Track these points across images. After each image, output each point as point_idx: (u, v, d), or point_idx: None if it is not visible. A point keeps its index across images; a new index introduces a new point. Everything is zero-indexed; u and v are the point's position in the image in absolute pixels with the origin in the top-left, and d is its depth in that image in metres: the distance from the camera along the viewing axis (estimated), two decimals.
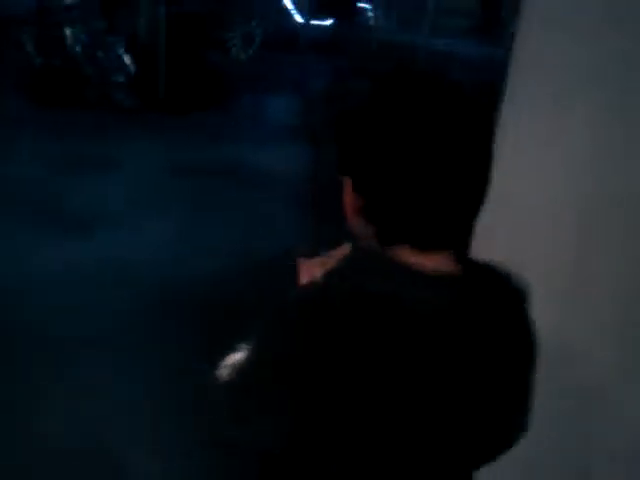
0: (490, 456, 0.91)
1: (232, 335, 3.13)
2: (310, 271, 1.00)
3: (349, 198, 0.85)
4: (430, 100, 0.79)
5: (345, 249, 0.99)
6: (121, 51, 6.24)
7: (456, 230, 0.83)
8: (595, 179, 1.43)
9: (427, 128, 0.77)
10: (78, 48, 6.28)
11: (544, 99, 1.45)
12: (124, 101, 6.24)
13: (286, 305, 0.83)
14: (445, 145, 0.77)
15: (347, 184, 0.85)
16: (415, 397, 0.78)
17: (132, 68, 6.26)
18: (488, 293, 0.84)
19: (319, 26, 9.95)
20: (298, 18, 9.91)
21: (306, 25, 9.80)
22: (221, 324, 3.08)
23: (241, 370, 0.84)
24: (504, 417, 0.90)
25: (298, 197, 4.90)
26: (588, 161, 1.44)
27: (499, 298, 0.85)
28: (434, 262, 0.81)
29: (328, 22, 10.02)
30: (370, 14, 10.03)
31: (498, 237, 1.46)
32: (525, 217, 1.52)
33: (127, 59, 6.25)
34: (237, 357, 0.87)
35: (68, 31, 6.27)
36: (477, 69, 7.84)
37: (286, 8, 9.95)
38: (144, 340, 2.98)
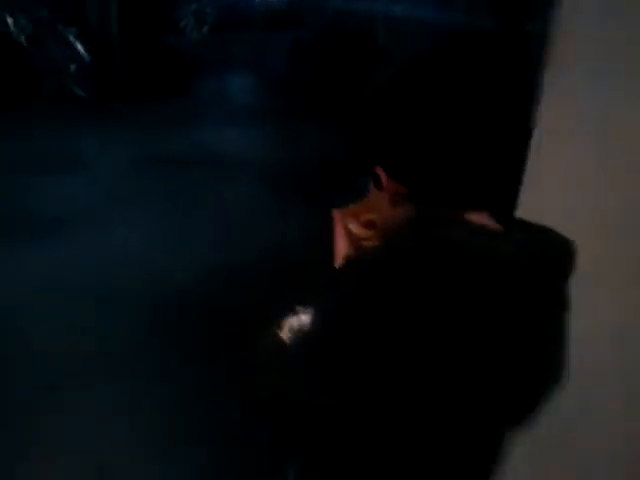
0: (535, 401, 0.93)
1: (224, 339, 2.92)
2: (344, 222, 1.00)
3: (388, 188, 0.86)
4: (454, 71, 0.81)
5: (374, 198, 0.94)
6: (73, 39, 5.92)
7: (492, 190, 0.85)
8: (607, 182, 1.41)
9: (460, 100, 0.79)
10: (23, 38, 5.95)
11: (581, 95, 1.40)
12: (80, 92, 5.96)
13: (360, 267, 0.83)
14: (481, 120, 0.79)
15: (383, 175, 0.85)
16: (494, 344, 0.81)
17: (86, 57, 5.97)
18: (534, 246, 0.85)
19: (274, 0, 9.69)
20: None
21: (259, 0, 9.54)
22: (212, 330, 3.00)
23: (306, 334, 0.82)
24: (546, 365, 0.92)
25: (273, 183, 4.79)
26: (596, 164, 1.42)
27: (544, 251, 0.86)
28: (478, 220, 0.84)
29: None
30: None
31: None
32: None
33: (80, 47, 5.94)
34: (300, 321, 0.84)
35: (10, 20, 5.92)
36: (438, 35, 7.75)
37: None
38: (130, 355, 2.84)
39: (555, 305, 0.89)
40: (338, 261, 0.97)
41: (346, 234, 0.98)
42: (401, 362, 0.78)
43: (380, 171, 0.85)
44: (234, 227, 4.06)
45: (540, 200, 1.44)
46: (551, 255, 0.86)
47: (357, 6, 9.31)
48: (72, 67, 5.98)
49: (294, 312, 0.84)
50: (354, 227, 0.98)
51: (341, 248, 0.98)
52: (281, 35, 8.84)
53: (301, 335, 0.82)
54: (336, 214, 1.01)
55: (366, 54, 7.59)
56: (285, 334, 0.83)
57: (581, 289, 1.38)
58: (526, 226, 0.89)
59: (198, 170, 4.94)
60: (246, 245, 3.79)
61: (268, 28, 8.99)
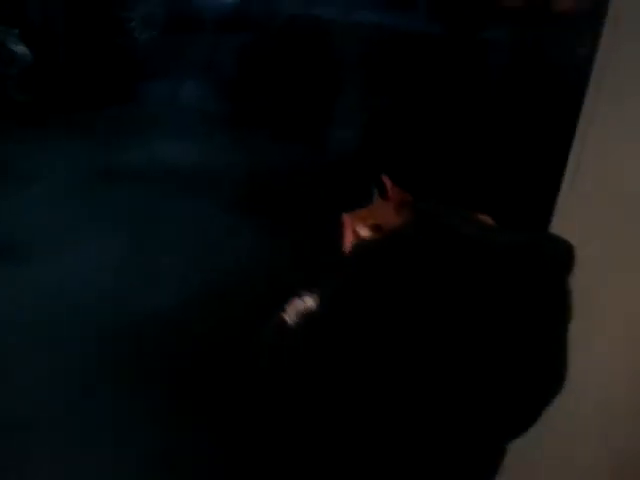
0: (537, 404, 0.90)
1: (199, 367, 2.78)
2: (353, 226, 1.03)
3: (393, 196, 0.91)
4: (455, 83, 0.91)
5: (379, 207, 1.00)
6: (13, 40, 5.46)
7: (499, 197, 0.89)
8: None
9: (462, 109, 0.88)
10: None
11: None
12: (22, 98, 5.51)
13: (362, 253, 0.85)
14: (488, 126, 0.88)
15: (388, 184, 0.90)
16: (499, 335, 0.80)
17: (29, 60, 5.52)
18: (534, 241, 0.86)
19: (224, 2, 9.40)
20: None
21: (210, 1, 9.24)
22: (185, 358, 2.80)
23: (312, 317, 0.82)
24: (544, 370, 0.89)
25: (236, 199, 4.57)
26: None
27: (543, 246, 0.87)
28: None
29: None
30: None
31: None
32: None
33: (22, 49, 5.49)
34: (305, 304, 0.85)
35: None
36: (404, 43, 7.71)
37: None
38: (99, 389, 2.61)
39: (555, 301, 0.88)
40: None
41: (355, 237, 1.03)
42: (401, 344, 0.78)
43: (386, 180, 0.90)
44: (202, 247, 3.82)
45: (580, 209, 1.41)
46: (550, 251, 0.86)
47: (311, 10, 9.16)
48: (13, 71, 5.52)
49: (299, 296, 0.84)
50: (362, 231, 1.02)
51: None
52: (234, 38, 8.57)
53: (305, 316, 0.82)
54: (345, 218, 1.05)
55: (319, 59, 7.49)
56: (289, 317, 0.84)
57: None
58: (527, 229, 0.91)
59: (156, 184, 4.65)
60: (216, 267, 3.58)
61: (221, 30, 8.69)
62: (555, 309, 0.87)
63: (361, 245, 0.92)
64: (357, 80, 6.85)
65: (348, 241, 1.02)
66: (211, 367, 2.70)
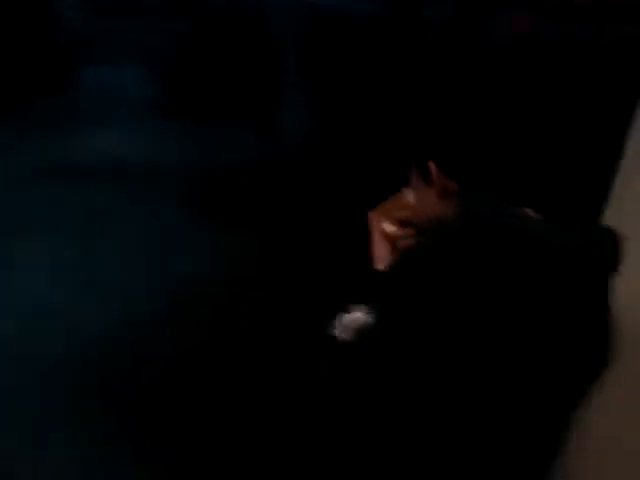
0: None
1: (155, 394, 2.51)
2: (379, 223, 0.97)
3: (439, 184, 0.93)
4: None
5: (420, 193, 0.95)
6: None
7: (543, 188, 0.91)
8: None
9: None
10: None
11: None
12: None
13: (416, 263, 0.83)
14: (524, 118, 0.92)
15: (434, 170, 0.94)
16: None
17: None
18: (580, 234, 0.88)
19: None
20: None
21: None
22: (140, 384, 2.50)
23: (373, 333, 0.81)
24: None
25: (192, 196, 4.22)
26: None
27: (589, 238, 0.87)
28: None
29: None
30: None
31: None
32: None
33: None
34: (358, 319, 0.84)
35: None
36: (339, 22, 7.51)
37: None
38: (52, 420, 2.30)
39: (599, 289, 0.86)
40: (377, 263, 0.97)
41: (382, 235, 0.98)
42: (460, 347, 0.78)
43: (432, 165, 0.92)
44: (154, 257, 3.47)
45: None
46: (596, 242, 0.86)
47: None
48: None
49: (345, 310, 0.86)
50: (389, 227, 0.98)
51: (379, 249, 0.99)
52: (174, 23, 8.19)
53: (364, 332, 0.82)
54: (371, 215, 1.01)
55: (260, 41, 7.27)
56: (346, 334, 0.83)
57: None
58: (576, 223, 0.90)
59: (99, 183, 4.21)
60: (171, 278, 3.25)
61: (160, 14, 8.29)
62: (598, 306, 0.87)
63: (406, 255, 0.91)
64: (300, 62, 6.66)
65: (376, 240, 1.00)
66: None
